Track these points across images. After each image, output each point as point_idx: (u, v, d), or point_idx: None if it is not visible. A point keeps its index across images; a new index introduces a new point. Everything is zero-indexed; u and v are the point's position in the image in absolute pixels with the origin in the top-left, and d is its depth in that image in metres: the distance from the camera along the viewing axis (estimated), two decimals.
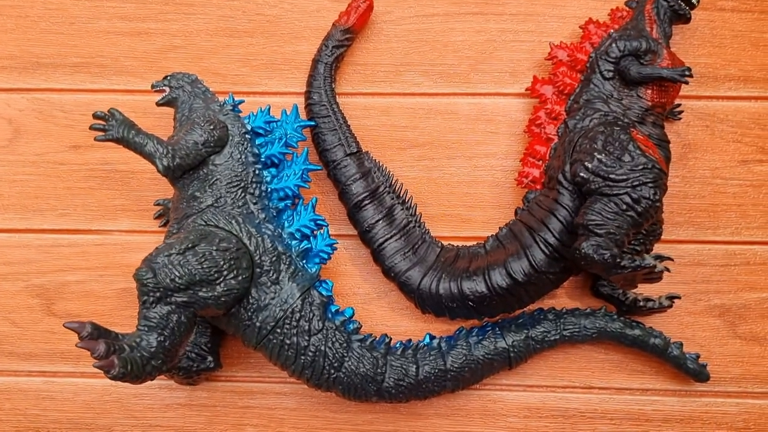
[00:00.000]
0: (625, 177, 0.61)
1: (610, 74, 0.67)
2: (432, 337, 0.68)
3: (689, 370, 0.67)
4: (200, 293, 0.59)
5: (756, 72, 0.73)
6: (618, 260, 0.59)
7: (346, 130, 0.71)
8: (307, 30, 0.75)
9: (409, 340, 0.69)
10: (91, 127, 0.61)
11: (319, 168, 0.69)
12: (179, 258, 0.59)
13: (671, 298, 0.69)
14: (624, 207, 0.61)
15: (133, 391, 0.73)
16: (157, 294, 0.58)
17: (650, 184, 0.61)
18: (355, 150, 0.71)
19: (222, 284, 0.60)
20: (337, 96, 0.73)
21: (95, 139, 0.61)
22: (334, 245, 0.66)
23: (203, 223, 0.63)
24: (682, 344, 0.67)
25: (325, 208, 0.73)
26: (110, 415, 0.73)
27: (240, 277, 0.61)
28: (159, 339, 0.57)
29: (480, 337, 0.67)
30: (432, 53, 0.74)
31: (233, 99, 0.68)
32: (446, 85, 0.74)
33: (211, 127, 0.64)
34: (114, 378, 0.54)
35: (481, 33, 0.74)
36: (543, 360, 0.71)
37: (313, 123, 0.70)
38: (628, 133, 0.63)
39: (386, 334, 0.68)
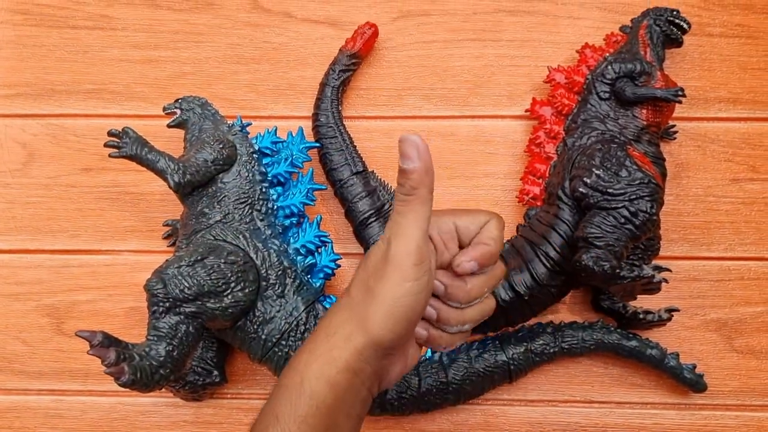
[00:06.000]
0: (622, 191, 0.63)
1: (606, 95, 0.70)
2: (433, 351, 0.70)
3: (686, 380, 0.68)
4: (208, 304, 0.61)
5: (744, 94, 0.75)
6: (617, 271, 0.61)
7: (353, 150, 0.74)
8: (311, 57, 0.78)
9: None
10: (106, 144, 0.63)
11: (323, 187, 0.71)
12: (188, 269, 0.60)
13: (670, 311, 0.70)
14: (622, 220, 0.63)
15: (140, 408, 0.74)
16: (167, 304, 0.59)
17: (647, 198, 0.63)
18: (361, 169, 0.73)
19: (229, 296, 0.61)
20: (342, 118, 0.75)
21: (109, 156, 0.63)
22: (338, 260, 0.68)
23: (212, 237, 0.64)
24: (678, 355, 0.69)
25: (331, 226, 0.75)
26: None
27: (247, 290, 0.62)
28: (167, 348, 0.59)
29: (480, 351, 0.69)
30: (432, 78, 0.77)
31: (241, 121, 0.70)
32: (446, 108, 0.77)
33: (221, 146, 0.66)
34: (123, 385, 0.55)
35: (479, 58, 0.77)
36: (544, 375, 0.72)
37: (317, 144, 0.73)
38: (625, 150, 0.66)
39: None
